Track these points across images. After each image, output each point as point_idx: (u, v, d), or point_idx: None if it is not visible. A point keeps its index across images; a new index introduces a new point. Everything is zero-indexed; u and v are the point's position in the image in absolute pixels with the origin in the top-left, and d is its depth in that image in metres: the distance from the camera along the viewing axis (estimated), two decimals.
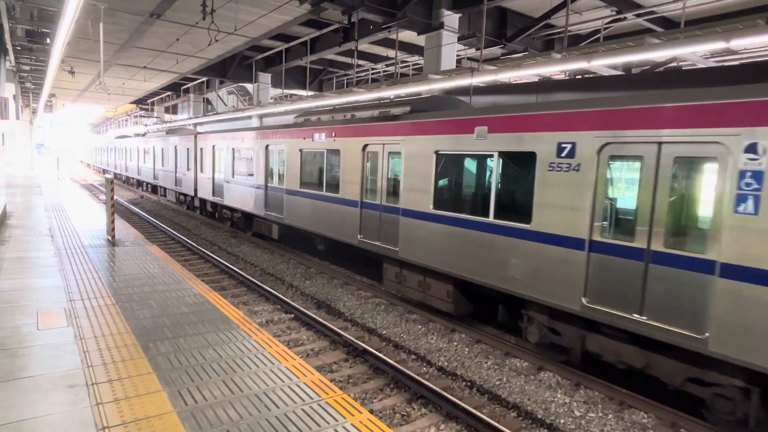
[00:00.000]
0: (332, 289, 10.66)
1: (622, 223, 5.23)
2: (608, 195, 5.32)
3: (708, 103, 4.34)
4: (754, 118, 4.08)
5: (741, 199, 4.18)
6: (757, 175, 4.05)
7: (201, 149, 18.96)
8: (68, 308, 6.02)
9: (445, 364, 7.22)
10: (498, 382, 6.70)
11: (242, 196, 15.06)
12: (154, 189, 27.77)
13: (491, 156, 6.75)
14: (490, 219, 6.79)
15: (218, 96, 30.68)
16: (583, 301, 5.64)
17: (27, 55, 15.02)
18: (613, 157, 5.19)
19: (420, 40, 16.74)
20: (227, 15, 13.10)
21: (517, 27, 13.74)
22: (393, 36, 15.35)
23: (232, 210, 16.53)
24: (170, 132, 22.26)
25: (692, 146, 4.53)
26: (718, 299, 4.39)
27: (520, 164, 6.35)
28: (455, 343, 7.90)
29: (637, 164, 4.98)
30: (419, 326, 8.57)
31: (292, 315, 8.87)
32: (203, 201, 18.84)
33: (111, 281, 7.28)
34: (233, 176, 15.60)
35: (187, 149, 20.10)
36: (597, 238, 5.46)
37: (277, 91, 26.75)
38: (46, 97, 27.44)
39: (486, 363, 7.24)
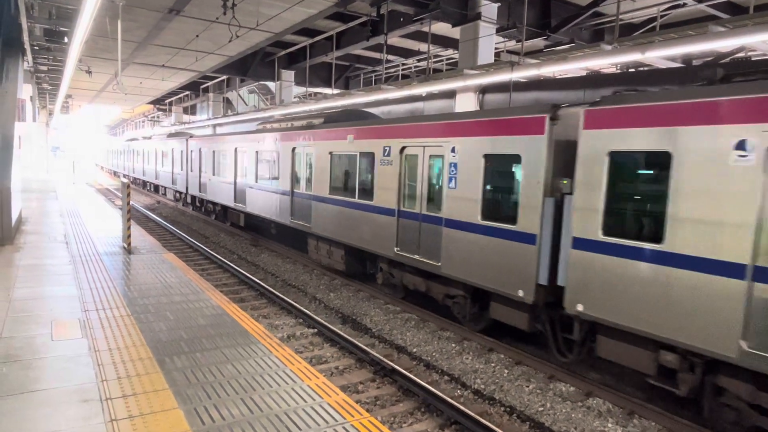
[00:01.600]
0: (358, 302, 10.69)
1: (410, 197, 9.33)
2: (407, 179, 9.30)
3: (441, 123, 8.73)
4: (454, 133, 8.36)
5: (450, 179, 8.42)
6: (454, 165, 8.34)
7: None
8: (83, 318, 6.23)
9: (482, 386, 7.13)
10: (541, 408, 6.58)
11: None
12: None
13: (355, 155, 10.86)
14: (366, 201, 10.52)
15: (239, 95, 31.36)
16: (395, 250, 9.74)
17: (45, 55, 15.74)
18: (407, 156, 9.40)
19: (455, 32, 16.73)
20: (249, 9, 13.41)
21: (562, 16, 13.56)
22: (425, 29, 15.40)
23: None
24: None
25: (438, 148, 8.75)
26: (443, 239, 8.53)
27: (369, 161, 10.40)
28: (493, 364, 7.79)
29: (418, 160, 9.11)
30: (453, 344, 8.51)
31: (316, 330, 8.94)
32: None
33: (126, 291, 7.50)
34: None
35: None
36: (403, 208, 9.60)
37: (301, 90, 27.18)
38: (63, 98, 28.62)
39: (527, 387, 7.12)
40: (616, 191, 5.98)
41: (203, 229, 19.83)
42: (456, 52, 18.55)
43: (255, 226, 17.18)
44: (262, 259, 14.49)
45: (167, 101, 42.67)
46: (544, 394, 6.94)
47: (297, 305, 9.84)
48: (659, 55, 7.90)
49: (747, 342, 4.94)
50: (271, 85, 30.64)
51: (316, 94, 27.05)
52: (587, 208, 6.22)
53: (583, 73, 12.76)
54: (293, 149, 13.81)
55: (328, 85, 23.34)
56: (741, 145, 4.91)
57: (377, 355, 7.55)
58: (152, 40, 17.34)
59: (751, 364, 4.92)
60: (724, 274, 4.98)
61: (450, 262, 8.40)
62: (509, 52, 17.16)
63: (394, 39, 18.09)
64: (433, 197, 8.93)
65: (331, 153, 11.95)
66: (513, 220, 7.36)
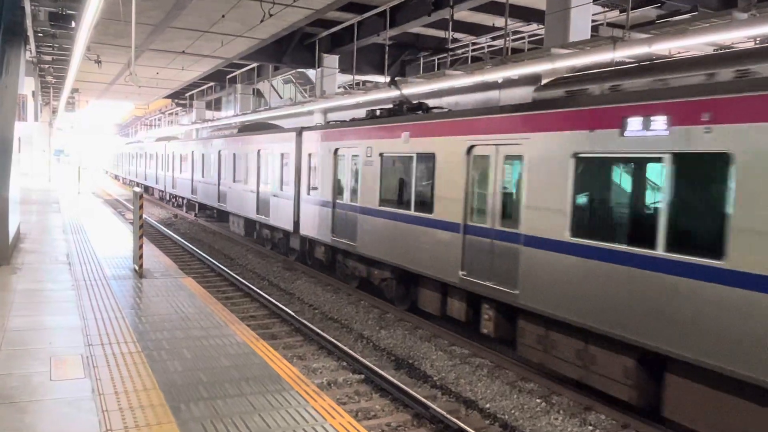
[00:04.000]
0: (416, 342, 10.65)
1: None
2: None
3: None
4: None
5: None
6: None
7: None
8: (86, 355, 6.50)
9: None
10: None
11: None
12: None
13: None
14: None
15: (272, 86, 32.28)
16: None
17: (49, 43, 16.76)
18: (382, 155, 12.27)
19: (539, 2, 16.57)
20: None
21: None
22: None
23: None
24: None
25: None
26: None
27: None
28: (590, 427, 7.55)
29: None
30: (537, 399, 8.32)
31: (362, 375, 8.96)
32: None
33: (137, 322, 7.78)
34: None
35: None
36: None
37: (347, 78, 27.64)
38: (69, 93, 30.28)
39: None
40: None
41: (228, 248, 20.39)
42: (541, 26, 18.34)
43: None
44: (298, 287, 14.72)
45: (187, 95, 44.42)
46: None
47: (340, 344, 9.91)
48: None
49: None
50: (311, 73, 31.29)
51: (365, 83, 27.43)
52: None
53: (710, 50, 12.30)
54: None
55: (380, 71, 23.63)
56: None
57: (440, 411, 7.47)
58: (171, 23, 18.16)
59: (334, 244, 10.12)
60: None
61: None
62: (611, 25, 16.82)
63: (463, 13, 18.12)
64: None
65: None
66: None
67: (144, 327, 7.60)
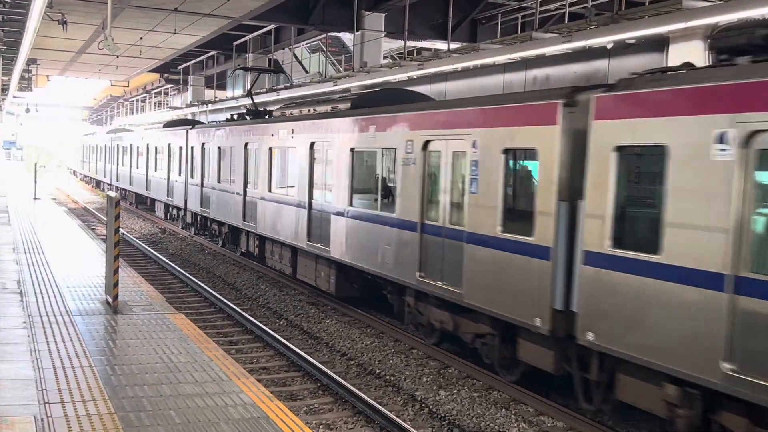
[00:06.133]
0: (488, 408, 10.51)
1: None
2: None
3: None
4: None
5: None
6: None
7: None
8: (40, 416, 6.54)
9: None
10: None
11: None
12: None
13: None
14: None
15: (294, 56, 32.60)
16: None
17: None
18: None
19: None
20: None
21: None
22: None
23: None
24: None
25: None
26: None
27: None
28: None
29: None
30: None
31: None
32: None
33: (109, 374, 7.81)
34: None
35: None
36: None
37: (396, 45, 27.74)
38: (23, 65, 31.11)
39: None
40: None
41: (233, 275, 20.59)
42: None
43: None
44: (326, 328, 14.69)
45: (180, 67, 45.31)
46: None
47: (383, 409, 9.81)
48: None
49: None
50: (347, 38, 31.50)
51: (420, 51, 27.44)
52: None
53: None
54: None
55: (442, 35, 23.61)
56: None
57: None
58: None
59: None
60: None
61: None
62: None
63: None
64: None
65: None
66: None
67: (118, 380, 7.65)
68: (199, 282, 18.62)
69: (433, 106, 12.85)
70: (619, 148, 8.74)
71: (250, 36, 33.45)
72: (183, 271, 20.14)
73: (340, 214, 15.39)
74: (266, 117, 21.80)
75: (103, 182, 50.76)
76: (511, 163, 10.52)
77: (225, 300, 16.47)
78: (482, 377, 11.70)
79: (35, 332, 9.40)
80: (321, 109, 17.30)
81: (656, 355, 8.13)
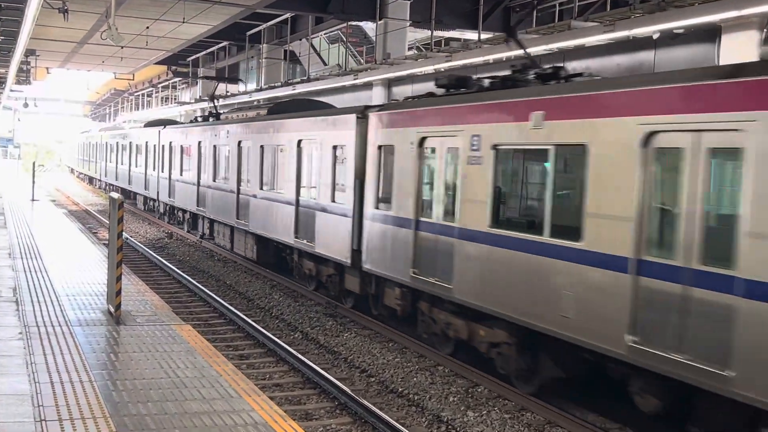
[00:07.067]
0: (521, 431, 10.47)
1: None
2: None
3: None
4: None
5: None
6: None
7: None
8: None
9: None
10: None
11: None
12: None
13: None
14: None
15: (311, 46, 32.66)
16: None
17: None
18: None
19: None
20: None
21: None
22: None
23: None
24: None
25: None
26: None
27: None
28: None
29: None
30: None
31: None
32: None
33: (110, 389, 7.89)
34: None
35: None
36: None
37: (422, 35, 27.76)
38: (21, 56, 31.43)
39: None
40: None
41: (244, 283, 20.76)
42: None
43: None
44: (345, 342, 14.77)
45: (189, 59, 45.64)
46: None
47: (405, 431, 9.84)
48: None
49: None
50: (369, 28, 31.57)
51: (449, 41, 27.43)
52: None
53: None
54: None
55: (472, 24, 23.60)
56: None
57: None
58: None
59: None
60: None
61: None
62: None
63: None
64: None
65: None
66: None
67: (120, 396, 7.71)
68: (207, 291, 18.74)
69: (302, 115, 19.81)
70: (379, 147, 15.29)
71: (264, 25, 33.56)
72: (191, 279, 20.29)
73: (254, 196, 22.19)
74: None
75: (95, 178, 58.77)
76: (338, 154, 17.12)
77: (235, 310, 16.56)
78: (514, 397, 11.61)
79: (32, 344, 9.50)
80: (251, 114, 24.52)
81: (391, 269, 14.74)
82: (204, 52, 43.20)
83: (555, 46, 15.11)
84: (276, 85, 32.98)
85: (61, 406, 7.37)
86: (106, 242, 15.97)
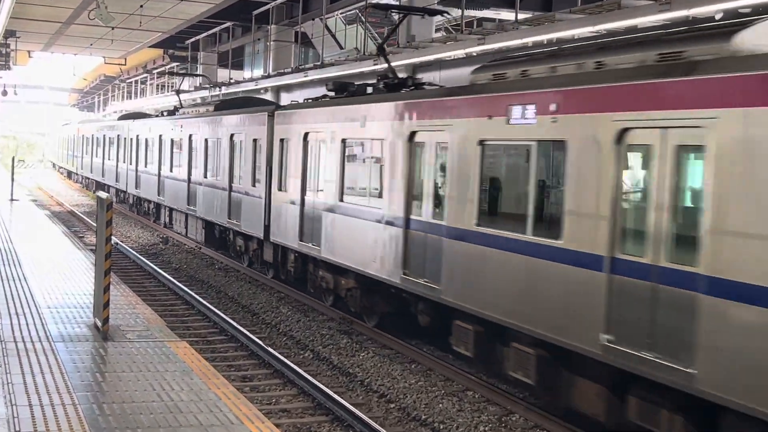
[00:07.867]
0: None
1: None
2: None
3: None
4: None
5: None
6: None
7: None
8: None
9: None
10: None
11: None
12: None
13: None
14: None
15: (326, 28, 32.56)
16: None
17: None
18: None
19: None
20: None
21: None
22: None
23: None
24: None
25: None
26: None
27: None
28: None
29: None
30: None
31: None
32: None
33: (95, 413, 7.82)
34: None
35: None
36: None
37: (451, 15, 27.59)
38: (0, 39, 31.53)
39: None
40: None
41: (247, 295, 20.72)
42: None
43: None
44: (361, 363, 14.65)
45: (188, 42, 45.69)
46: None
47: None
48: None
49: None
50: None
51: (482, 21, 27.27)
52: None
53: None
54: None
55: (509, 4, 23.43)
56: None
57: None
58: None
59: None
60: None
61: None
62: None
63: None
64: None
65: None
66: None
67: (107, 421, 7.65)
68: (206, 303, 18.70)
69: (234, 113, 25.43)
70: (281, 140, 20.53)
71: (273, 3, 33.63)
72: (188, 290, 20.29)
73: (200, 184, 27.98)
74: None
75: (72, 172, 66.24)
76: (258, 146, 22.48)
77: (238, 326, 16.49)
78: (552, 426, 11.56)
79: (9, 361, 9.48)
80: (202, 109, 30.14)
81: (287, 239, 20.30)
82: (204, 34, 43.33)
83: (603, 27, 14.79)
84: (286, 71, 32.74)
85: (40, 431, 7.29)
86: (93, 248, 15.80)
